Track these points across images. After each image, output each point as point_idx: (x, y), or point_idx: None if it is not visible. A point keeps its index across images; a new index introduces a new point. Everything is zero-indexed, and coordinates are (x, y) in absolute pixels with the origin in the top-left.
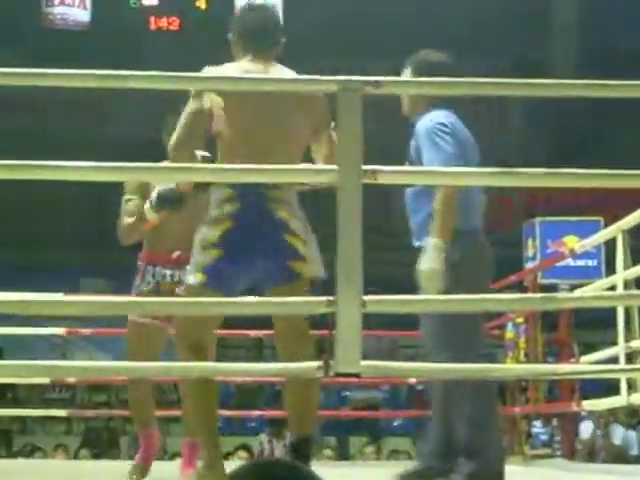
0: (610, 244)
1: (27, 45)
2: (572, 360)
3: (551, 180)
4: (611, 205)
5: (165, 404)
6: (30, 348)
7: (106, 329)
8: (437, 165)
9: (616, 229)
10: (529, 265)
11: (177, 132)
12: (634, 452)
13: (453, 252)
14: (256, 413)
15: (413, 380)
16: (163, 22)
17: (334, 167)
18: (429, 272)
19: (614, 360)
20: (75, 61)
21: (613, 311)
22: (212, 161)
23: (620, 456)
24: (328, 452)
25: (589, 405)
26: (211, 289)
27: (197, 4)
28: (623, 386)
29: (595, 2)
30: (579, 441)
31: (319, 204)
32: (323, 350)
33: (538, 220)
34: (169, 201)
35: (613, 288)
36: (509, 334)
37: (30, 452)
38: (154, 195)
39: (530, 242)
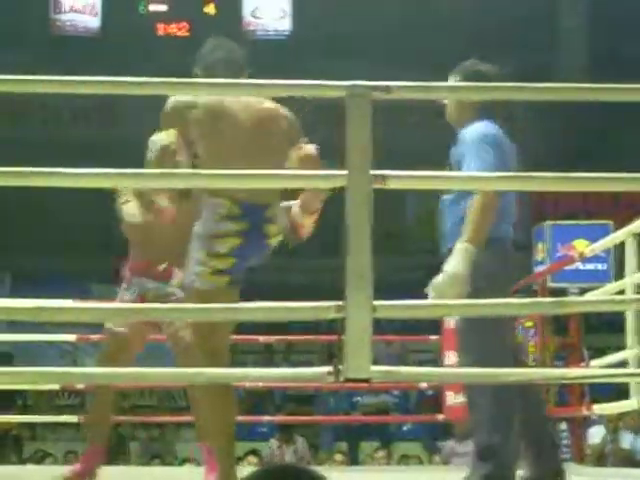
0: (619, 248)
1: (35, 51)
2: (582, 364)
3: (563, 184)
4: (621, 208)
5: (175, 410)
6: (40, 355)
7: None
8: None
9: (626, 233)
10: (538, 269)
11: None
12: None
13: (481, 258)
14: (266, 418)
15: (424, 385)
16: (172, 28)
17: (344, 172)
18: (453, 275)
19: (624, 364)
20: (85, 67)
21: (623, 315)
22: None
23: (628, 460)
24: (339, 457)
25: (599, 409)
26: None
27: (206, 10)
28: (633, 390)
29: (601, 5)
30: (587, 445)
31: (330, 208)
32: (332, 355)
33: (548, 224)
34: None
35: (623, 292)
36: (518, 338)
37: (41, 458)
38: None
39: (540, 246)
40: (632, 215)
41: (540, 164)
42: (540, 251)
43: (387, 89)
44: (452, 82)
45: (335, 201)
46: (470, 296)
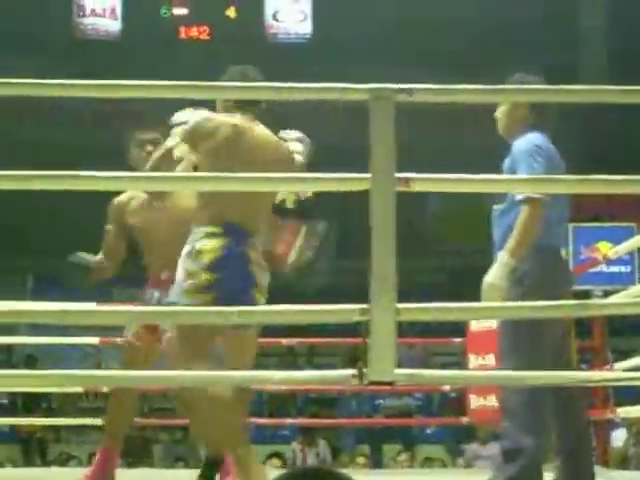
0: None
1: (57, 54)
2: (606, 367)
3: (586, 186)
4: None
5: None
6: (63, 357)
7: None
8: None
9: None
10: None
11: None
12: None
13: (527, 267)
14: (289, 421)
15: (447, 387)
16: (193, 31)
17: (367, 175)
18: (490, 286)
19: None
20: (106, 71)
21: None
22: None
23: None
24: (361, 460)
25: (623, 412)
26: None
27: (227, 13)
28: None
29: (622, 5)
30: (610, 449)
31: (355, 210)
32: (355, 358)
33: (571, 226)
34: None
35: None
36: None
37: (65, 460)
38: None
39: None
40: None
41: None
42: (564, 253)
43: (410, 91)
44: None
45: (354, 203)
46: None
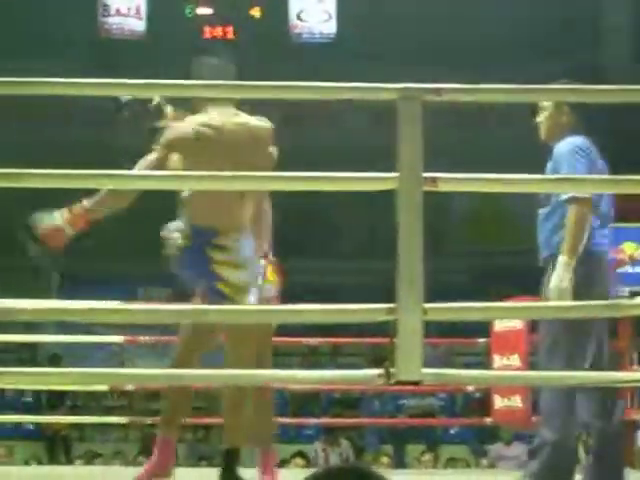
0: None
1: (83, 54)
2: (633, 368)
3: (612, 187)
4: None
5: (221, 412)
6: (88, 356)
7: (163, 337)
8: None
9: None
10: None
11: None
12: None
13: (579, 270)
14: (313, 421)
15: (470, 388)
16: (218, 31)
17: (395, 174)
18: (557, 290)
19: None
20: (131, 71)
21: None
22: None
23: None
24: (385, 460)
25: None
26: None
27: (251, 13)
28: None
29: None
30: (636, 449)
31: (380, 210)
32: (379, 358)
33: None
34: None
35: None
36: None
37: (90, 459)
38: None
39: None
40: None
41: None
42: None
43: (438, 91)
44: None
45: (374, 202)
46: None
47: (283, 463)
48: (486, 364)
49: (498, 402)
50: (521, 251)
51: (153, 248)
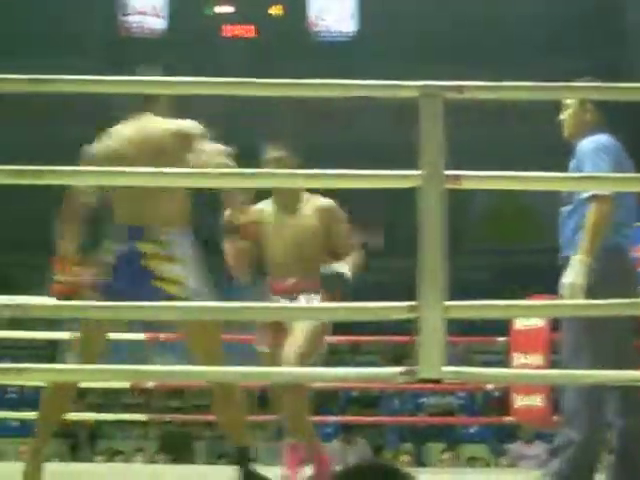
0: None
1: (102, 54)
2: None
3: (636, 185)
4: None
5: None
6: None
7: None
8: None
9: None
10: None
11: None
12: None
13: (597, 267)
14: (332, 419)
15: (490, 386)
16: (238, 29)
17: (417, 172)
18: (570, 286)
19: None
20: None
21: None
22: None
23: None
24: (405, 458)
25: None
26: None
27: (271, 11)
28: None
29: None
30: None
31: (402, 207)
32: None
33: None
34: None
35: None
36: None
37: (112, 456)
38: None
39: None
40: None
41: None
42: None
43: (460, 89)
44: (568, 100)
45: (392, 200)
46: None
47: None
48: (505, 363)
49: (518, 401)
50: (542, 249)
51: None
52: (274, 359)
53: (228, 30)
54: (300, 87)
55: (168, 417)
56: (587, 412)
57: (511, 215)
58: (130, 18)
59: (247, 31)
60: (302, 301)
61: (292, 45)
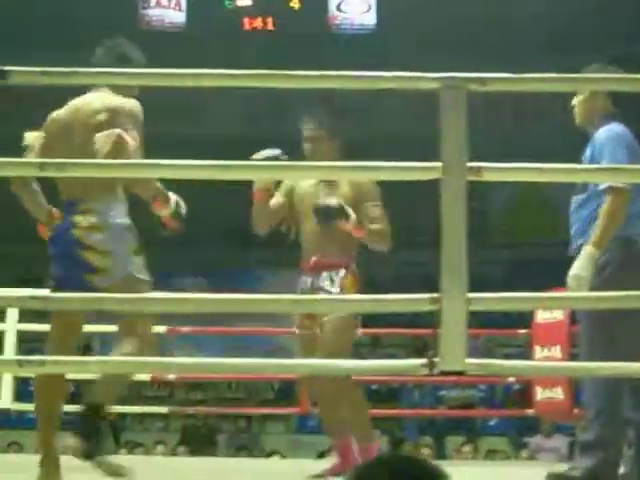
0: None
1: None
2: None
3: None
4: None
5: (261, 402)
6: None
7: (203, 328)
8: None
9: None
10: None
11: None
12: None
13: (607, 258)
14: None
15: (511, 379)
16: (257, 22)
17: (438, 164)
18: (575, 277)
19: None
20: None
21: None
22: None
23: None
24: (425, 451)
25: None
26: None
27: (291, 4)
28: None
29: None
30: None
31: (423, 199)
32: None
33: None
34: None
35: None
36: None
37: (132, 448)
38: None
39: None
40: None
41: None
42: None
43: (482, 81)
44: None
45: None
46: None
47: (322, 454)
48: (527, 355)
49: (539, 393)
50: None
51: (186, 238)
52: (306, 343)
53: (247, 23)
54: (320, 79)
55: (190, 410)
56: (612, 408)
57: (530, 208)
58: (150, 11)
59: (266, 24)
60: (324, 278)
61: (311, 38)
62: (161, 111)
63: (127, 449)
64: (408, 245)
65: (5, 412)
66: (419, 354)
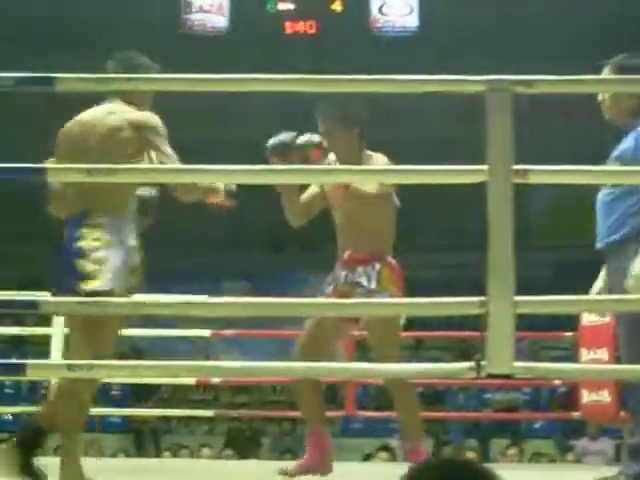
0: None
1: (165, 51)
2: None
3: None
4: None
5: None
6: (172, 350)
7: (248, 331)
8: None
9: None
10: None
11: None
12: None
13: None
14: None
15: (557, 382)
16: (299, 26)
17: (484, 167)
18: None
19: None
20: (213, 67)
21: None
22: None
23: None
24: (470, 454)
25: None
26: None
27: (333, 7)
28: None
29: None
30: None
31: (471, 202)
32: (465, 351)
33: None
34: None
35: None
36: None
37: (177, 451)
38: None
39: None
40: None
41: None
42: None
43: (529, 83)
44: (604, 74)
45: (455, 196)
46: None
47: (368, 457)
48: (573, 358)
49: (585, 396)
50: None
51: (233, 242)
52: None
53: (289, 27)
54: (365, 83)
55: (235, 413)
56: None
57: (575, 210)
58: (192, 16)
59: (308, 27)
60: (360, 274)
61: (353, 41)
62: (194, 116)
63: (171, 452)
64: (455, 248)
65: None
66: (462, 357)
